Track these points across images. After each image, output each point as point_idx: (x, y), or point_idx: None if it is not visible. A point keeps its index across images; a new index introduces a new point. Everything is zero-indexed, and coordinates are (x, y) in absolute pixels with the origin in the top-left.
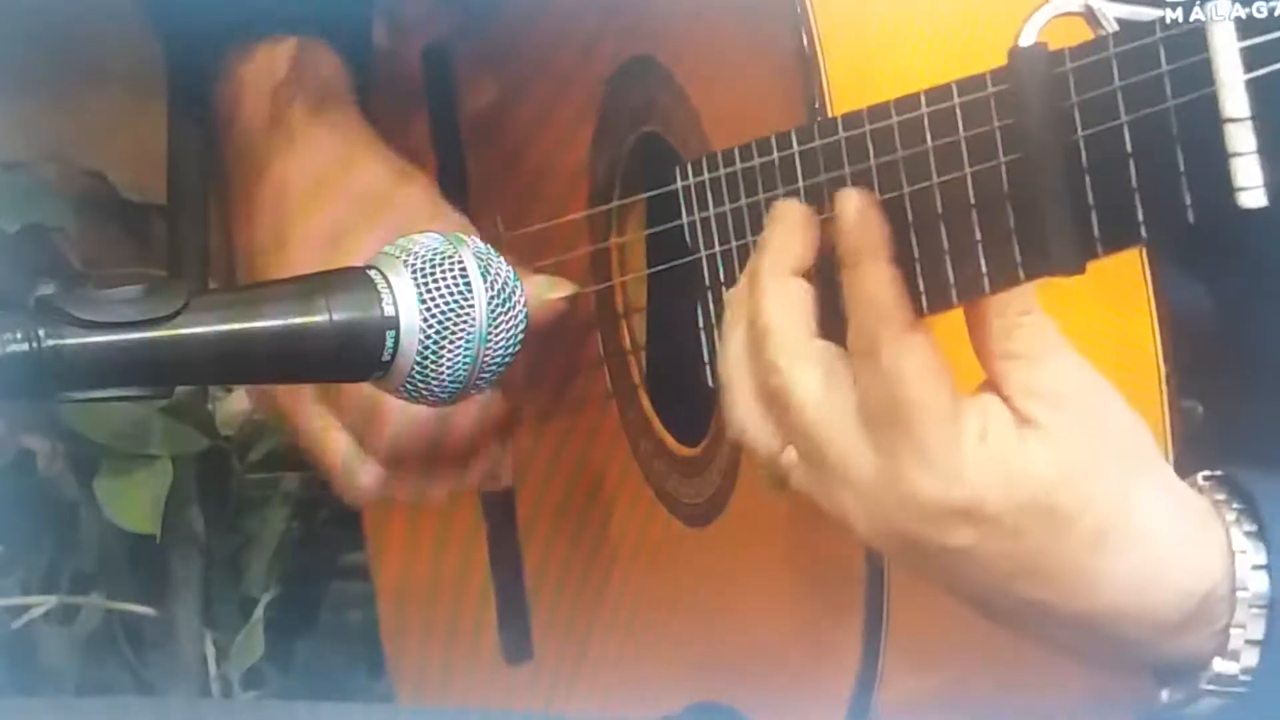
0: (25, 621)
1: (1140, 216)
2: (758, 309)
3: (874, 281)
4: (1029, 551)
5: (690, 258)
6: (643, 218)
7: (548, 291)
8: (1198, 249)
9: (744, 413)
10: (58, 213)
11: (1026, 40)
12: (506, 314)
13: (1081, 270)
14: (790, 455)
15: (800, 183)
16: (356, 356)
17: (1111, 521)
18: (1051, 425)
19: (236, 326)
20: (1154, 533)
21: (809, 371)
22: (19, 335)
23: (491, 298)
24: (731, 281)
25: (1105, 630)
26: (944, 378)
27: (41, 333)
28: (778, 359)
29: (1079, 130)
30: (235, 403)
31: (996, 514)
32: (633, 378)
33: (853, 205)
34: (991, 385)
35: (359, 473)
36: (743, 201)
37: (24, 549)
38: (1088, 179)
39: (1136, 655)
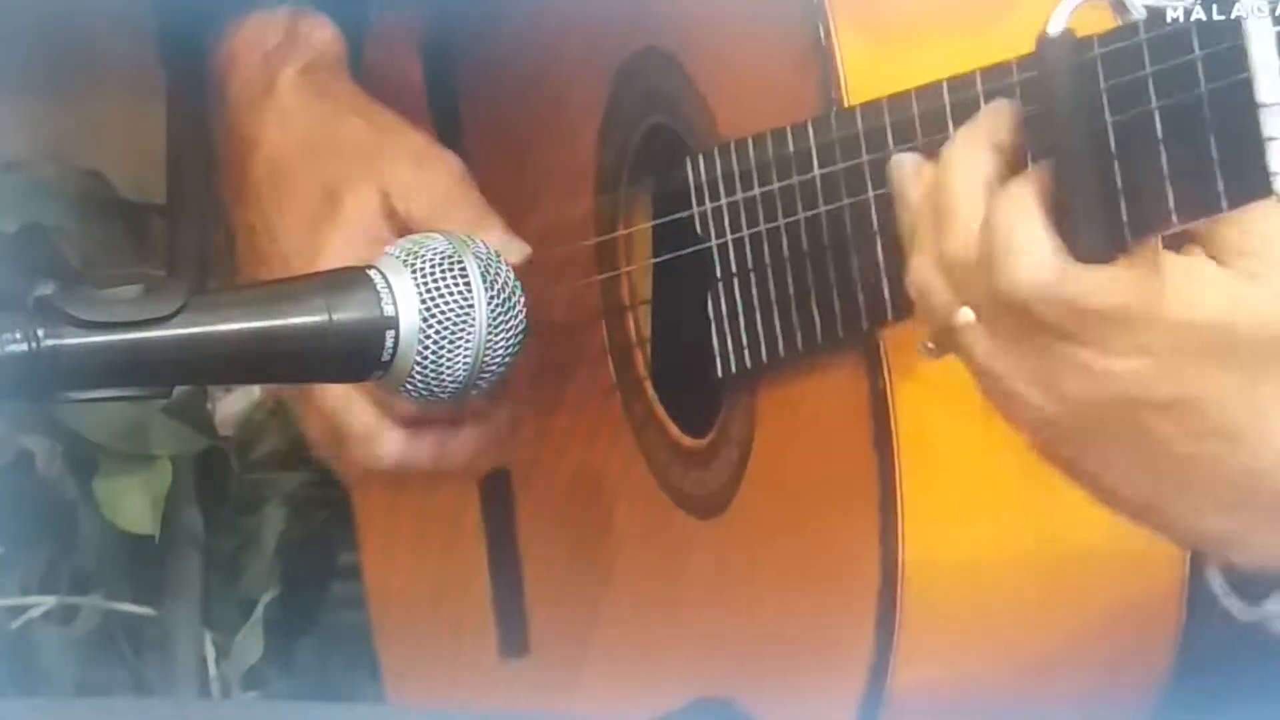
0: (24, 621)
1: (1171, 203)
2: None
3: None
4: (1236, 394)
5: (700, 246)
6: (649, 210)
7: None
8: None
9: (926, 271)
10: (58, 213)
11: (1055, 29)
12: (507, 315)
13: (1110, 259)
14: (965, 315)
15: (816, 171)
16: (356, 356)
17: None
18: (1269, 276)
19: (236, 326)
20: None
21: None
22: (19, 335)
23: (492, 298)
24: (744, 270)
25: (1265, 496)
26: None
27: (41, 333)
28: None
29: (1108, 116)
30: (235, 403)
31: (1236, 345)
32: (638, 369)
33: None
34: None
35: (382, 440)
36: (756, 192)
37: (24, 549)
38: (1117, 165)
39: None
